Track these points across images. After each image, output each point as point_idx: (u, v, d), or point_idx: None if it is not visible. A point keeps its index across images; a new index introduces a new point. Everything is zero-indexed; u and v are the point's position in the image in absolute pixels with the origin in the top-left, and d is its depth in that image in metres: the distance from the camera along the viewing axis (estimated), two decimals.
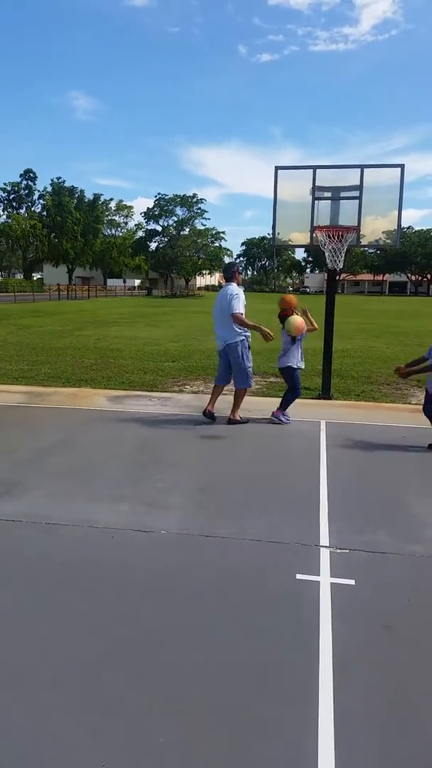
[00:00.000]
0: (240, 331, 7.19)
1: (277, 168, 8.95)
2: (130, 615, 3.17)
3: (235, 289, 7.31)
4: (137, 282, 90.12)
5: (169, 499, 4.80)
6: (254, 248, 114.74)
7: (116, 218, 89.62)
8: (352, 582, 3.53)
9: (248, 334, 7.29)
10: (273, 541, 4.06)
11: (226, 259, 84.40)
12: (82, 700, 2.52)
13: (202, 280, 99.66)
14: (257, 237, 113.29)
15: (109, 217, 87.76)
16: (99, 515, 4.44)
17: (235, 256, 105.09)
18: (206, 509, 4.61)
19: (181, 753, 2.26)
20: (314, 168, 8.82)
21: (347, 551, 3.93)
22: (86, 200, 79.42)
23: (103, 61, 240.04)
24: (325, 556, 3.85)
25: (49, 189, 76.51)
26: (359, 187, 8.64)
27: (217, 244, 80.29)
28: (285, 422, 7.32)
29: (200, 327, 22.62)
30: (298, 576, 3.58)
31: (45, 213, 75.87)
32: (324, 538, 4.11)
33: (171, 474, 5.42)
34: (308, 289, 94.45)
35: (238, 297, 7.20)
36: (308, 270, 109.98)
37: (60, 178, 79.03)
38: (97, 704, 2.51)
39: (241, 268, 7.80)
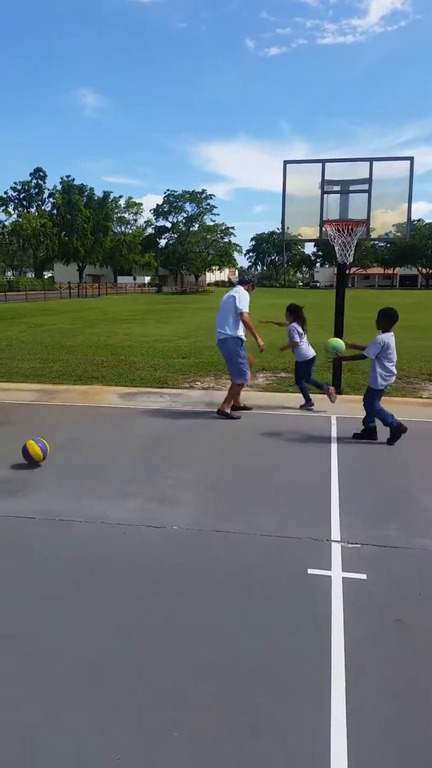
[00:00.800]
0: (237, 329, 7.32)
1: (285, 162, 8.92)
2: (142, 610, 3.20)
3: (244, 292, 7.43)
4: (147, 279, 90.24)
5: (180, 495, 4.83)
6: (264, 243, 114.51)
7: (126, 215, 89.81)
8: (363, 576, 3.53)
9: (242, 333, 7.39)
10: (284, 536, 4.07)
11: (236, 255, 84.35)
12: (96, 695, 2.56)
13: (212, 276, 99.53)
14: (267, 232, 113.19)
15: (119, 215, 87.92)
16: (111, 511, 4.48)
17: (244, 252, 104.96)
18: (217, 505, 4.63)
19: (193, 747, 2.28)
20: (323, 162, 8.79)
21: (359, 546, 3.93)
22: (96, 198, 79.61)
23: (111, 59, 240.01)
24: (336, 550, 3.86)
25: (59, 187, 76.85)
26: (368, 180, 8.59)
27: (226, 240, 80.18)
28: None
29: (210, 323, 22.57)
30: (310, 571, 3.59)
31: (55, 211, 76.21)
32: (335, 533, 4.11)
33: (182, 470, 5.44)
34: (318, 284, 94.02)
35: (246, 299, 7.35)
36: (318, 264, 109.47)
37: (69, 176, 79.43)
38: (110, 699, 2.53)
39: (253, 282, 8.02)
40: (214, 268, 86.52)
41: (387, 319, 6.27)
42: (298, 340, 7.75)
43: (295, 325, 7.86)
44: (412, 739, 2.32)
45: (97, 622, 3.09)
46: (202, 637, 2.96)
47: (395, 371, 6.37)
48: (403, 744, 2.29)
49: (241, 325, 7.32)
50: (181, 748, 2.27)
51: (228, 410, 7.42)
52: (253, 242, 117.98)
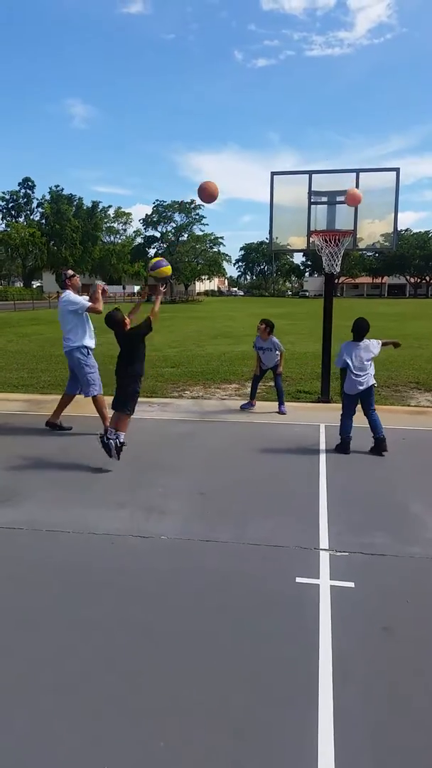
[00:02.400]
0: (81, 338, 7.09)
1: (273, 173, 9.01)
2: (130, 620, 3.18)
3: (68, 292, 7.14)
4: (137, 288, 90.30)
5: (168, 504, 4.82)
6: (253, 253, 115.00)
7: (115, 225, 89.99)
8: (351, 584, 3.54)
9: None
10: (273, 545, 4.08)
11: (225, 264, 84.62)
12: (84, 705, 2.54)
13: (201, 286, 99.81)
14: (256, 242, 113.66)
15: (108, 224, 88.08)
16: (99, 522, 4.46)
17: (233, 261, 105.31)
18: (206, 514, 4.62)
19: (181, 756, 2.27)
20: (310, 173, 8.89)
21: (347, 554, 3.94)
22: (85, 208, 79.73)
23: (99, 69, 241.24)
24: (324, 559, 3.86)
25: (48, 197, 76.86)
26: None
27: (215, 250, 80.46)
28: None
29: (200, 332, 22.68)
30: (298, 579, 3.59)
31: (44, 221, 76.19)
32: (323, 541, 4.12)
33: (171, 479, 5.44)
34: (307, 293, 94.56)
35: (76, 297, 7.12)
36: (307, 274, 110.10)
37: (58, 186, 79.56)
38: (98, 708, 2.52)
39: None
40: (203, 277, 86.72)
41: (355, 331, 6.68)
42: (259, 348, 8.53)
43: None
44: (398, 746, 2.32)
45: (84, 632, 3.07)
46: (190, 646, 2.95)
47: (360, 377, 6.51)
48: (389, 751, 2.30)
49: (86, 332, 7.08)
50: (168, 757, 2.25)
51: (108, 424, 6.08)
52: (242, 252, 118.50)
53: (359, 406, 6.49)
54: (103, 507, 4.76)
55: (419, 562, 3.83)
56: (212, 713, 2.49)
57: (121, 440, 5.66)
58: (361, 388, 6.42)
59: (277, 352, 8.43)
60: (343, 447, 6.34)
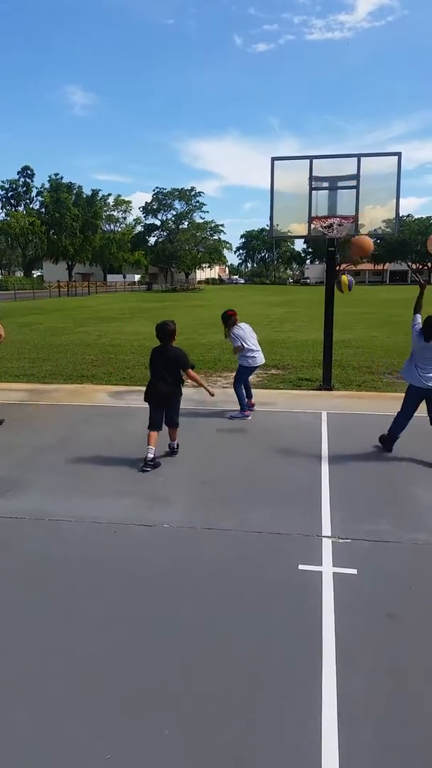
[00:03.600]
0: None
1: (273, 159, 8.91)
2: (133, 608, 3.19)
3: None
4: (137, 277, 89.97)
5: (171, 493, 4.82)
6: (254, 240, 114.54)
7: (115, 213, 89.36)
8: (354, 571, 3.54)
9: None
10: (275, 532, 4.08)
11: (226, 252, 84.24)
12: (89, 693, 2.54)
13: (202, 274, 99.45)
14: (257, 229, 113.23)
15: (108, 213, 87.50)
16: (101, 511, 4.46)
17: (234, 249, 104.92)
18: (208, 502, 4.62)
19: (185, 744, 2.27)
20: (311, 158, 8.78)
21: (349, 541, 3.94)
22: (84, 196, 79.18)
23: (99, 56, 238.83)
24: (327, 546, 3.86)
25: (47, 186, 76.32)
26: (356, 177, 8.60)
27: (216, 237, 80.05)
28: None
29: (201, 321, 22.59)
30: (301, 566, 3.59)
31: (43, 210, 75.72)
32: (326, 529, 4.12)
33: (172, 468, 5.43)
34: (309, 280, 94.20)
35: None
36: (308, 261, 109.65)
37: (58, 174, 78.86)
38: (102, 696, 2.52)
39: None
40: (204, 265, 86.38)
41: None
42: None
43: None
44: (401, 732, 2.33)
45: (88, 620, 3.08)
46: (195, 633, 2.96)
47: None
48: (392, 738, 2.30)
49: None
50: (172, 745, 2.26)
51: None
52: (243, 239, 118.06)
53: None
54: (105, 496, 4.76)
55: (422, 549, 3.83)
56: (216, 701, 2.50)
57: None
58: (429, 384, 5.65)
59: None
60: (389, 442, 5.92)
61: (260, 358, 7.45)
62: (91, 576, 3.54)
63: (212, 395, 6.19)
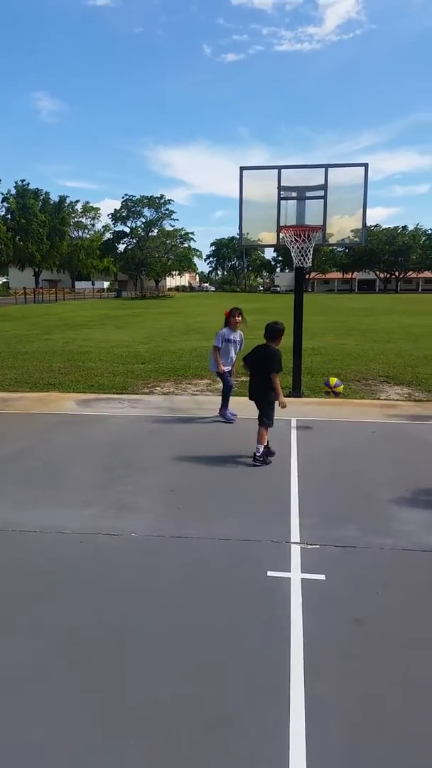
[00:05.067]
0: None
1: (242, 168, 8.97)
2: (99, 618, 3.12)
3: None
4: (106, 284, 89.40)
5: (139, 501, 4.76)
6: (224, 248, 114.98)
7: (83, 220, 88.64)
8: (322, 577, 3.54)
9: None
10: (244, 539, 4.06)
11: (196, 260, 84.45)
12: (54, 703, 2.47)
13: (172, 281, 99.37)
14: (227, 237, 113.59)
15: (76, 219, 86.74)
16: (67, 521, 4.37)
17: (204, 257, 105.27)
18: (177, 510, 4.58)
19: (153, 752, 2.22)
20: (279, 168, 8.87)
21: (318, 547, 3.95)
22: (52, 202, 78.30)
23: (67, 62, 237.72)
24: (296, 552, 3.86)
25: (13, 192, 75.23)
26: (324, 187, 8.72)
27: (186, 245, 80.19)
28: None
29: (171, 328, 22.56)
30: (270, 573, 3.58)
31: (9, 216, 74.56)
32: (295, 535, 4.12)
33: (141, 476, 5.37)
34: (279, 288, 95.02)
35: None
36: (278, 269, 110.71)
37: (24, 180, 77.95)
38: (67, 706, 2.45)
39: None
40: (174, 273, 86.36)
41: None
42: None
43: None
44: (369, 736, 2.32)
45: (53, 632, 3.00)
46: (162, 642, 2.91)
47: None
48: (361, 742, 2.30)
49: None
50: (140, 754, 2.21)
51: None
52: (213, 247, 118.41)
53: None
54: (72, 506, 4.67)
55: (390, 554, 3.86)
56: (185, 709, 2.46)
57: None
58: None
59: (240, 348, 7.64)
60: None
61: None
62: (56, 586, 3.46)
63: (283, 406, 5.72)
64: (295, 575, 3.56)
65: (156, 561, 3.77)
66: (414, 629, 3.04)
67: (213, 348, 7.52)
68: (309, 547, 3.94)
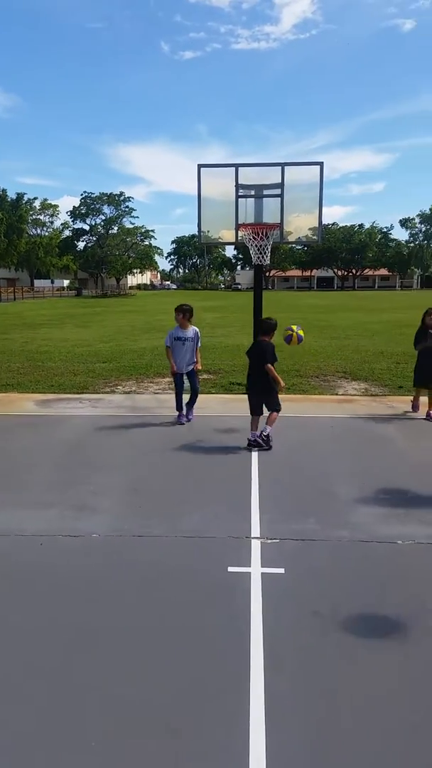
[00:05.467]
0: None
1: (199, 166, 8.98)
2: (59, 620, 3.10)
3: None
4: (66, 282, 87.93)
5: (100, 502, 4.73)
6: (185, 246, 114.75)
7: (41, 217, 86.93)
8: (281, 570, 3.61)
9: None
10: (206, 536, 4.09)
11: (157, 258, 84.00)
12: (14, 705, 2.45)
13: (133, 279, 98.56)
14: (188, 235, 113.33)
15: (34, 217, 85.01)
16: (27, 523, 4.32)
17: (165, 255, 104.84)
18: (138, 509, 4.58)
19: (112, 754, 2.23)
20: (236, 166, 8.91)
21: (277, 541, 4.01)
22: (9, 199, 76.59)
23: (22, 57, 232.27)
24: (256, 547, 3.92)
25: None
26: (281, 185, 8.81)
27: (147, 243, 79.65)
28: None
29: (132, 326, 22.41)
30: (230, 569, 3.63)
31: None
32: (255, 530, 4.18)
33: (102, 476, 5.34)
34: (240, 286, 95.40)
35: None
36: (239, 267, 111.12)
37: None
38: (27, 708, 2.44)
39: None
40: (135, 271, 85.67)
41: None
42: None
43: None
44: (329, 729, 2.39)
45: (12, 635, 2.96)
46: (122, 641, 2.91)
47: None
48: (320, 736, 2.36)
49: None
50: (100, 756, 2.21)
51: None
52: (174, 245, 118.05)
53: None
54: (32, 507, 4.61)
55: (347, 546, 3.96)
56: (145, 705, 2.47)
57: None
58: None
59: (197, 345, 7.45)
60: None
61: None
62: (15, 588, 3.42)
63: (283, 387, 6.40)
64: (255, 570, 3.62)
65: (117, 561, 3.77)
66: (371, 620, 3.14)
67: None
68: (269, 541, 4.01)
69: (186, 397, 7.44)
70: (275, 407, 6.23)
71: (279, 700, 2.52)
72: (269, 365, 6.10)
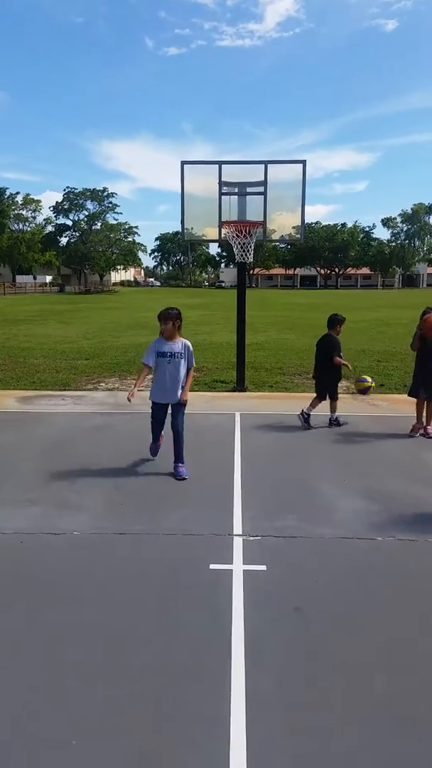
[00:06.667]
0: None
1: (183, 163, 8.97)
2: (41, 618, 3.08)
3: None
4: (49, 278, 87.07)
5: (82, 499, 4.71)
6: (169, 243, 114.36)
7: (23, 213, 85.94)
8: (263, 567, 3.62)
9: None
10: (187, 533, 4.09)
11: (141, 254, 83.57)
12: (2, 703, 2.43)
13: (117, 276, 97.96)
14: (171, 232, 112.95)
15: (16, 212, 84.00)
16: (7, 521, 4.28)
17: (149, 251, 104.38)
18: (120, 507, 4.56)
19: (95, 751, 2.23)
20: (219, 163, 8.93)
21: (259, 538, 4.03)
22: None
23: (5, 52, 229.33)
24: (238, 544, 3.93)
25: None
26: (264, 183, 8.83)
27: (130, 239, 79.19)
28: None
29: (116, 323, 22.29)
30: (212, 566, 3.63)
31: None
32: (237, 527, 4.19)
33: (84, 474, 5.31)
34: (224, 284, 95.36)
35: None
36: (223, 265, 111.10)
37: None
38: (11, 708, 2.42)
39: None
40: (118, 267, 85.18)
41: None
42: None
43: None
44: (309, 724, 2.41)
45: None
46: (104, 639, 2.90)
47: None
48: (299, 730, 2.38)
49: None
50: (81, 754, 2.21)
51: None
52: (158, 242, 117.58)
53: None
54: (12, 505, 4.57)
55: (328, 543, 3.99)
56: (127, 701, 2.47)
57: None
58: None
59: (186, 363, 5.33)
60: None
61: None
62: None
63: (352, 368, 7.66)
64: (237, 567, 3.63)
65: (98, 558, 3.75)
66: (351, 616, 3.17)
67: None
68: (250, 538, 4.02)
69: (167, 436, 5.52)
70: (336, 395, 7.08)
71: (260, 695, 2.53)
72: (337, 358, 6.87)
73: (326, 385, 7.05)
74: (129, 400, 5.39)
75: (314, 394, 7.19)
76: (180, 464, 5.28)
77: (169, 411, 5.48)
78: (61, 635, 2.95)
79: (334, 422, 7.08)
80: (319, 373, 7.15)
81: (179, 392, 5.34)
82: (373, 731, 2.35)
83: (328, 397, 7.08)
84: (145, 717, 2.41)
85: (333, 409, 7.11)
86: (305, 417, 6.99)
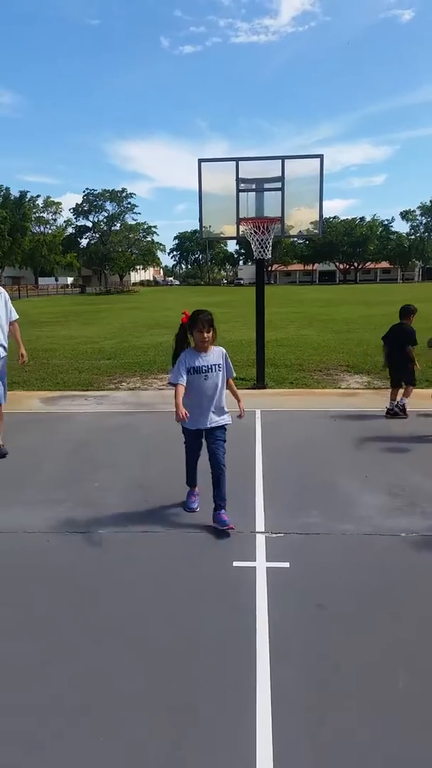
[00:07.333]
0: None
1: (200, 161, 8.99)
2: (67, 616, 3.14)
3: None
4: (70, 280, 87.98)
5: (106, 498, 4.77)
6: (187, 242, 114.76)
7: (45, 215, 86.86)
8: (286, 564, 3.63)
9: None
10: (210, 531, 4.12)
11: (160, 254, 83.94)
12: (22, 703, 2.48)
13: (136, 276, 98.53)
14: (190, 230, 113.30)
15: (38, 215, 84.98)
16: (33, 520, 4.35)
17: (168, 251, 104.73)
18: (143, 506, 4.61)
19: (121, 748, 2.26)
20: (237, 160, 8.92)
21: (282, 535, 4.04)
22: (12, 198, 76.59)
23: (22, 55, 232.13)
24: (261, 541, 3.94)
25: None
26: (281, 179, 8.80)
27: (149, 239, 79.63)
28: None
29: (136, 323, 22.43)
30: (235, 563, 3.65)
31: None
32: (260, 524, 4.20)
33: (108, 473, 5.38)
34: (242, 281, 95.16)
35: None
36: (241, 262, 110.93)
37: None
38: (36, 707, 2.47)
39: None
40: (138, 267, 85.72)
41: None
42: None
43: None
44: (335, 722, 2.41)
45: (19, 630, 3.00)
46: (129, 636, 2.94)
47: None
48: (325, 729, 2.38)
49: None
50: (109, 751, 2.25)
51: None
52: (177, 241, 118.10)
53: None
54: (38, 505, 4.65)
55: (350, 539, 3.98)
56: (152, 698, 2.50)
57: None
58: None
59: (226, 374, 4.36)
60: None
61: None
62: (21, 585, 3.45)
63: (418, 368, 7.33)
64: (260, 564, 3.64)
65: (122, 556, 3.80)
66: (374, 613, 3.16)
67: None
68: (273, 535, 4.03)
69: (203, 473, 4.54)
70: (412, 382, 7.17)
71: (285, 691, 2.54)
72: (409, 347, 7.02)
73: (402, 372, 7.20)
74: (186, 419, 4.01)
75: (334, 390, 7.21)
76: (222, 511, 4.13)
77: (204, 440, 4.37)
78: (86, 632, 3.00)
79: (400, 408, 7.14)
80: (392, 361, 7.26)
81: (221, 414, 4.35)
82: (395, 728, 2.35)
83: (403, 384, 7.21)
84: (169, 713, 2.44)
85: (407, 394, 7.20)
86: (401, 408, 7.10)
